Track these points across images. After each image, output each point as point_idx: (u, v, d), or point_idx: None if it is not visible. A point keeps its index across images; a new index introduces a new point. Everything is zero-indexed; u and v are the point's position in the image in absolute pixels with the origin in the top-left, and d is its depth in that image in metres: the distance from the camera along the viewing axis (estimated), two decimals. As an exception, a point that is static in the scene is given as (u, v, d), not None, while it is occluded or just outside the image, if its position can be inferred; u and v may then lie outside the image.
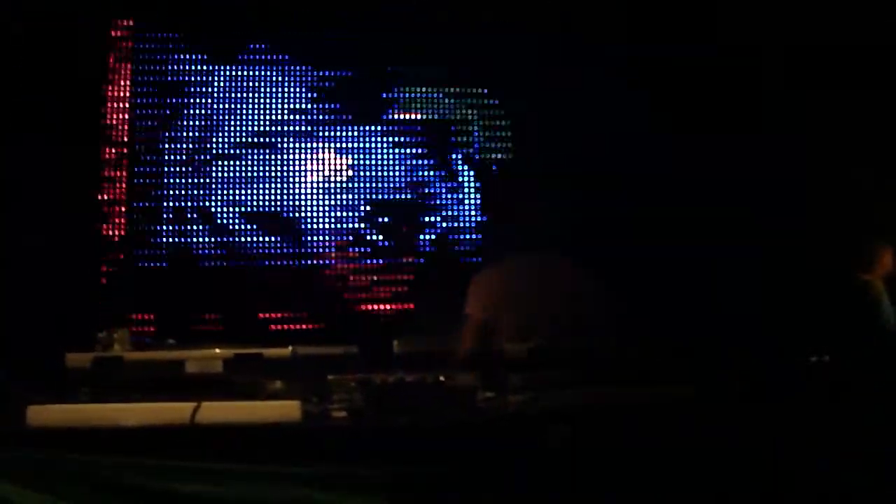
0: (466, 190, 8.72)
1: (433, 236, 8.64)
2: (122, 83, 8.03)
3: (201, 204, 8.07)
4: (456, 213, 8.68)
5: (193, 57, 8.25)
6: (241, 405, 3.86)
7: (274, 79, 8.43)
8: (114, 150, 7.96)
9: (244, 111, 8.33)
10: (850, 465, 3.47)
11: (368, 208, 8.58)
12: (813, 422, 3.63)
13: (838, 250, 6.71)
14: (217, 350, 4.36)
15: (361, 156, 8.60)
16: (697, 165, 7.36)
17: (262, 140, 8.39)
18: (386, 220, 8.58)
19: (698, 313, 5.82)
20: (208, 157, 8.15)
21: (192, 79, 8.24)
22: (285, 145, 8.46)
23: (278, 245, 8.18)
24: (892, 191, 7.02)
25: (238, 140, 8.32)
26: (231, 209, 8.18)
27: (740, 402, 3.68)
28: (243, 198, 8.28)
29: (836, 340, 5.29)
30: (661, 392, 3.77)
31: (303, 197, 8.42)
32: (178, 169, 8.09)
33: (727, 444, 3.52)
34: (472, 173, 8.72)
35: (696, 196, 7.34)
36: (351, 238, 8.50)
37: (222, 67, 8.27)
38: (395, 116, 8.71)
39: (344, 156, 8.56)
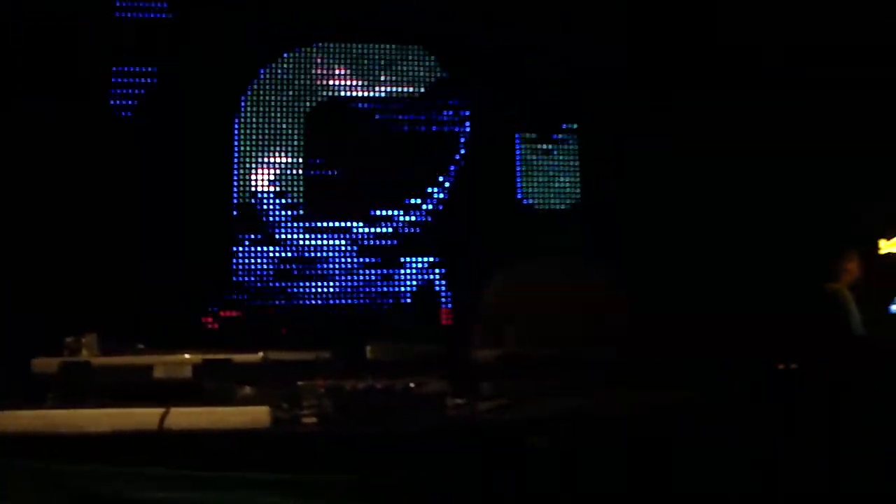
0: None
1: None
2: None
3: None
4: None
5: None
6: (210, 411, 3.83)
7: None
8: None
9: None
10: (821, 467, 3.51)
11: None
12: (781, 428, 3.67)
13: (806, 260, 6.78)
14: (186, 355, 4.33)
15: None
16: (670, 176, 7.42)
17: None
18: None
19: (671, 323, 5.86)
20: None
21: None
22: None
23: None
24: (858, 199, 7.11)
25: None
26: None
27: (713, 409, 3.70)
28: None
29: (806, 349, 5.34)
30: (635, 400, 3.79)
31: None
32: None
33: (700, 450, 3.55)
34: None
35: (661, 204, 7.40)
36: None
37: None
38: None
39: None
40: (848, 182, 7.20)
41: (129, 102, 7.73)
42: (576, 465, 3.44)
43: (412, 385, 3.89)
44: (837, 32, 7.34)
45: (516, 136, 8.49)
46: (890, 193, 6.98)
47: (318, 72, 8.35)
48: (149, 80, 7.79)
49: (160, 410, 3.76)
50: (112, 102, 7.69)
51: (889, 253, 7.29)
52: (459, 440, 3.69)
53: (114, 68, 7.71)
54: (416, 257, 8.33)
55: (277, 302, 7.89)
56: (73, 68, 7.30)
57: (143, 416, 3.74)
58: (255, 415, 3.83)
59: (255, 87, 8.23)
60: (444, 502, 3.57)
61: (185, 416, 3.77)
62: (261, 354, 4.47)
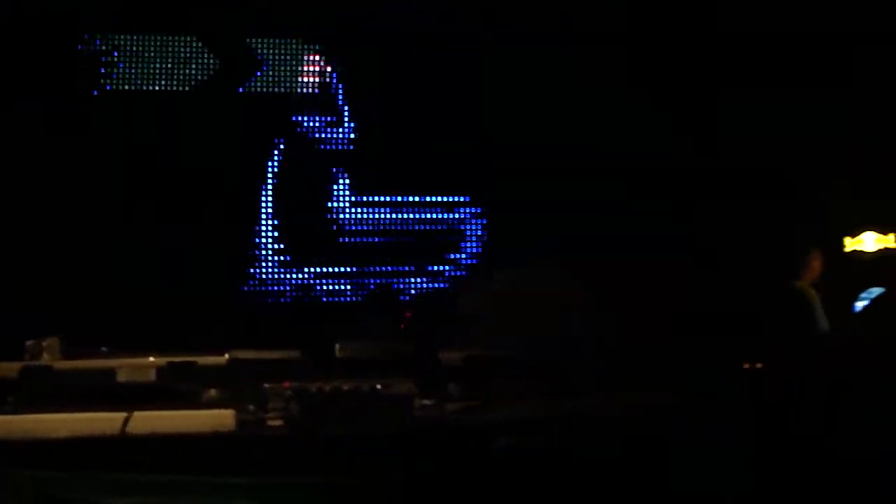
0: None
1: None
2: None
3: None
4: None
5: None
6: (174, 415, 3.79)
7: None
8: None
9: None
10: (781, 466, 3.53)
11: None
12: (745, 425, 3.69)
13: (769, 258, 6.81)
14: (151, 358, 4.27)
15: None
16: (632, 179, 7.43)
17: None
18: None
19: (634, 324, 5.87)
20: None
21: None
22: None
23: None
24: (822, 197, 7.17)
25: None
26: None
27: (676, 411, 3.71)
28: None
29: (771, 347, 5.38)
30: (599, 403, 3.79)
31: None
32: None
33: (665, 452, 3.56)
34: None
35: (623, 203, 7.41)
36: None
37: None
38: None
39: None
40: (813, 182, 7.26)
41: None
42: (539, 465, 3.44)
43: (379, 386, 3.86)
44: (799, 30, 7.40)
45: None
46: (855, 192, 7.05)
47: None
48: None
49: (123, 414, 3.72)
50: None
51: (854, 251, 7.37)
52: (426, 442, 3.67)
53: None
54: (387, 257, 8.29)
55: (248, 300, 7.80)
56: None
57: (106, 421, 3.69)
58: (220, 418, 3.79)
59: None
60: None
61: (148, 420, 3.73)
62: (226, 357, 4.42)
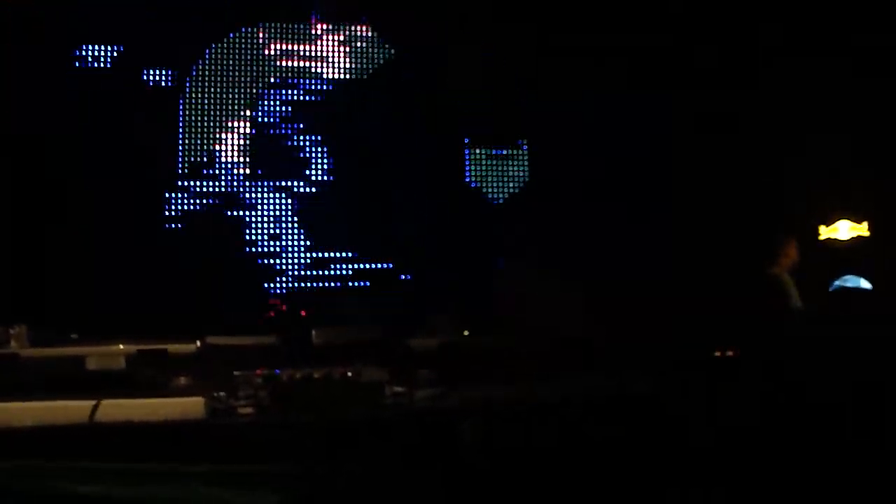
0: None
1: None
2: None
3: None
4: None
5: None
6: (144, 403, 3.77)
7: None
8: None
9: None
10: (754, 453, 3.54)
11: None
12: (717, 414, 3.70)
13: (745, 245, 6.84)
14: (120, 346, 4.24)
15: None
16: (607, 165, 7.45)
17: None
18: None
19: (610, 311, 5.87)
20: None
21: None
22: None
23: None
24: (796, 184, 7.21)
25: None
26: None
27: (648, 399, 3.71)
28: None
29: (745, 334, 5.40)
30: (573, 388, 3.80)
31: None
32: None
33: (633, 438, 3.56)
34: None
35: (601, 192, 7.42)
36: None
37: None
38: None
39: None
40: (789, 169, 7.29)
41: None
42: (508, 451, 3.44)
43: (350, 374, 3.85)
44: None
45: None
46: (830, 180, 7.09)
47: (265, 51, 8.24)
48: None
49: (91, 403, 3.69)
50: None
51: (828, 239, 7.41)
52: (396, 429, 3.66)
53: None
54: (362, 246, 8.27)
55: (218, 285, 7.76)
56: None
57: (74, 409, 3.66)
58: (190, 406, 3.77)
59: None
60: (382, 491, 3.53)
61: (117, 408, 3.70)
62: (197, 344, 4.39)
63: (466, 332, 4.75)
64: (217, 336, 5.32)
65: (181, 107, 7.98)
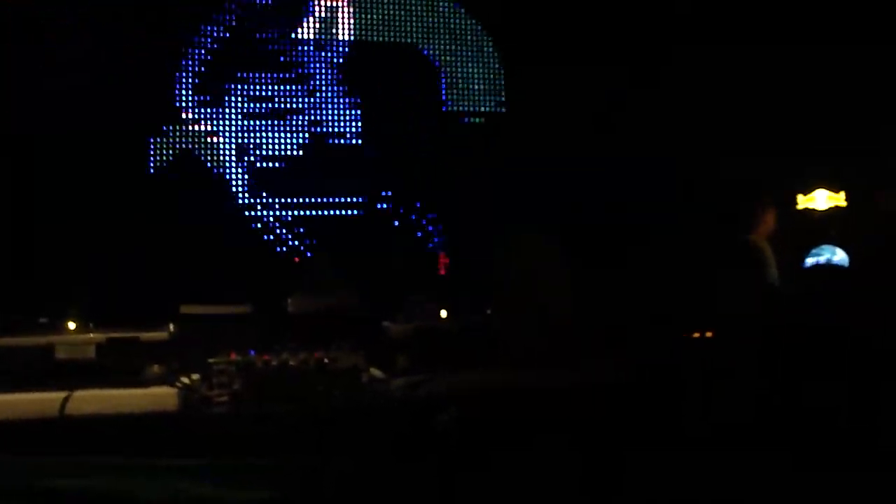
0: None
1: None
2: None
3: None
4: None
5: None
6: (116, 394, 3.69)
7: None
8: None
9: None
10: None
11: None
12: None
13: (722, 211, 6.83)
14: (90, 335, 4.14)
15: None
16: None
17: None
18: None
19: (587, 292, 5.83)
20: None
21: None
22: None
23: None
24: (778, 153, 7.19)
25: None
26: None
27: (626, 386, 3.69)
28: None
29: (722, 302, 5.39)
30: (549, 376, 3.76)
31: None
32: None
33: (612, 427, 3.55)
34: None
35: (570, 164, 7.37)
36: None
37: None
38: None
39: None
40: (768, 136, 7.27)
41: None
42: (485, 440, 3.41)
43: (326, 360, 3.79)
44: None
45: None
46: (808, 149, 7.08)
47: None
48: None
49: (62, 394, 3.61)
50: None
51: (805, 208, 7.43)
52: (374, 418, 3.62)
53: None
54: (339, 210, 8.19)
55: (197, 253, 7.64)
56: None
57: (43, 402, 3.58)
58: (163, 396, 3.70)
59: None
60: (361, 483, 3.50)
61: (88, 400, 3.62)
62: (170, 329, 4.30)
63: (445, 313, 4.70)
64: (192, 305, 5.24)
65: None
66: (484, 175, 7.90)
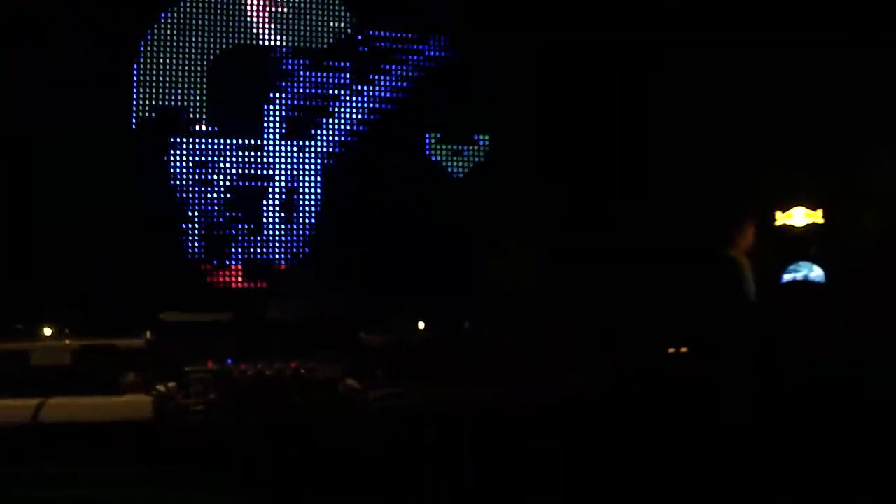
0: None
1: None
2: None
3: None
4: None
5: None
6: (90, 401, 3.68)
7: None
8: None
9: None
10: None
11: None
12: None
13: (700, 228, 6.85)
14: (66, 341, 4.12)
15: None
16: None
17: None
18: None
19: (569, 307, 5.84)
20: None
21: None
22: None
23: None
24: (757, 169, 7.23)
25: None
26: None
27: (604, 402, 3.70)
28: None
29: (699, 317, 5.40)
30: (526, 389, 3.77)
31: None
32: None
33: (591, 441, 3.55)
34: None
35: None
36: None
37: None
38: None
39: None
40: (747, 152, 7.30)
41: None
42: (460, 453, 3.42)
43: (303, 371, 3.79)
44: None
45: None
46: (787, 165, 7.12)
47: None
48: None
49: (36, 401, 3.59)
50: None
51: (783, 225, 7.46)
52: (352, 431, 3.62)
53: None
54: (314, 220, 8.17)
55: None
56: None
57: (17, 408, 3.57)
58: (138, 405, 3.70)
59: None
60: (335, 494, 3.49)
61: (63, 407, 3.61)
62: (147, 337, 4.28)
63: (422, 325, 4.70)
64: (172, 312, 5.20)
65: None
66: (467, 186, 7.92)
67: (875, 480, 3.18)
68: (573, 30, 7.37)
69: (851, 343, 4.19)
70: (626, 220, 7.27)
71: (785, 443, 3.56)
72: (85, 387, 3.81)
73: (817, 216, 7.25)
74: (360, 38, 8.19)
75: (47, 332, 4.27)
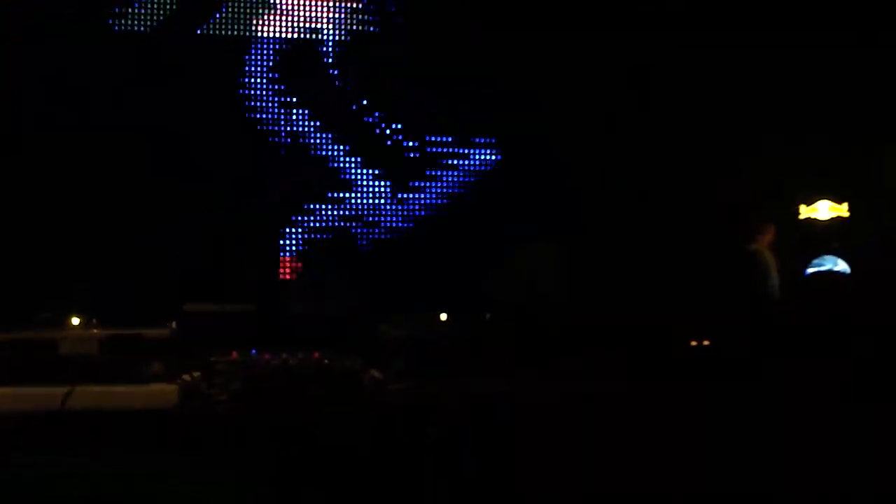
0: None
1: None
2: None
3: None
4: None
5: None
6: (117, 390, 3.73)
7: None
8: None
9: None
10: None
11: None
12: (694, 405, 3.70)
13: (725, 221, 6.82)
14: (94, 331, 4.19)
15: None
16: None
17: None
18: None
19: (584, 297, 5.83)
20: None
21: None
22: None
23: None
24: (781, 164, 7.19)
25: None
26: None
27: (624, 394, 3.70)
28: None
29: (728, 306, 5.38)
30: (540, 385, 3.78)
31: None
32: None
33: (607, 433, 3.56)
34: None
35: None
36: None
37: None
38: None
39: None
40: (771, 146, 7.26)
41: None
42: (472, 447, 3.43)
43: (326, 361, 3.82)
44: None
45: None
46: (811, 159, 7.07)
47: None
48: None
49: (64, 389, 3.66)
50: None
51: (808, 218, 7.42)
52: (373, 423, 3.64)
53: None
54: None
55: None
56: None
57: (46, 396, 3.63)
58: (164, 394, 3.75)
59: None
60: (358, 486, 3.52)
61: (90, 396, 3.67)
62: (172, 327, 4.34)
63: (444, 317, 4.72)
64: (196, 303, 5.25)
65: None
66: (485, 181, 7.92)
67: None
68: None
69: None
70: (648, 215, 7.27)
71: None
72: (111, 376, 3.87)
73: (842, 210, 7.21)
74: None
75: (75, 321, 4.35)
